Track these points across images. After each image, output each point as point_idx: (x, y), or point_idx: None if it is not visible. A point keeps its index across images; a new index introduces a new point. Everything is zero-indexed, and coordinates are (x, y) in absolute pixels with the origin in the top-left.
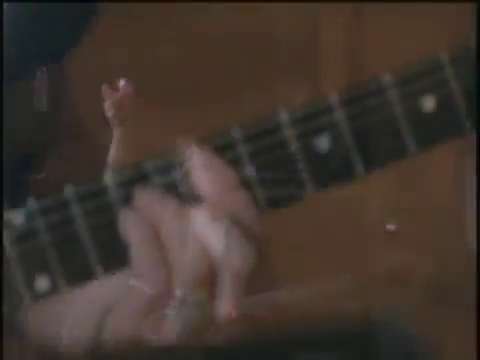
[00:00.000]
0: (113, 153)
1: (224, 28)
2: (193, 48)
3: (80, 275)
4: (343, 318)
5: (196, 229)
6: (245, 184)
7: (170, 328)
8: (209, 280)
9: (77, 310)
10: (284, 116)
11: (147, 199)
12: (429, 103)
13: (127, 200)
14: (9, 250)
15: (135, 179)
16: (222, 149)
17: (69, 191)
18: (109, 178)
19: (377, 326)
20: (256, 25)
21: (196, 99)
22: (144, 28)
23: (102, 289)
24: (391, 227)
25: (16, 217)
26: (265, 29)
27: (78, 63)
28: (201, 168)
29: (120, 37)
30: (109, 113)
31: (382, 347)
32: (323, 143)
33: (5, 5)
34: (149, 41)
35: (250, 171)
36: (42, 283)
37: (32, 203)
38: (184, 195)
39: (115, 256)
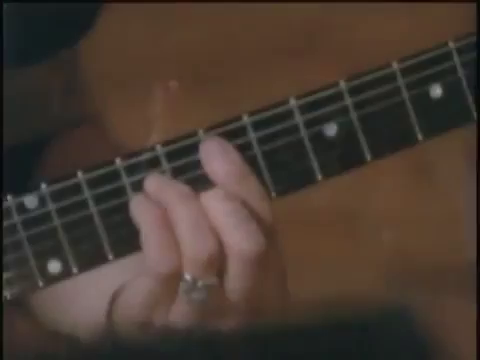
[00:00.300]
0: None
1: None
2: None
3: (92, 259)
4: (347, 307)
5: (206, 213)
6: (255, 170)
7: (180, 312)
8: (219, 264)
9: (87, 295)
10: (293, 102)
11: (158, 183)
12: (437, 90)
13: (138, 184)
14: (22, 234)
15: (146, 163)
16: (233, 135)
17: (81, 175)
18: (120, 162)
19: (383, 316)
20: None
21: (212, 87)
22: (158, 15)
23: (113, 273)
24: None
25: (29, 201)
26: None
27: (92, 48)
28: (212, 154)
29: (135, 23)
30: (156, 110)
31: (387, 339)
32: (332, 129)
33: None
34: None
35: (260, 157)
36: (54, 267)
37: (44, 187)
38: (195, 179)
39: (126, 240)
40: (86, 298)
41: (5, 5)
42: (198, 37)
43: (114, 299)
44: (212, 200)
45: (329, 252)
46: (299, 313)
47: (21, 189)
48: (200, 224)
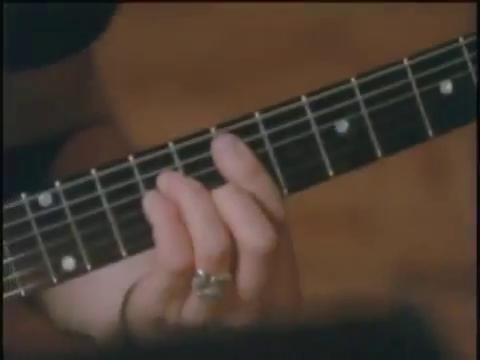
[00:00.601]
0: None
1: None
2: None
3: (105, 256)
4: (355, 307)
5: (218, 209)
6: (267, 167)
7: (193, 308)
8: (231, 260)
9: (101, 292)
10: (305, 99)
11: (170, 180)
12: (447, 86)
13: (151, 181)
14: (36, 231)
15: (159, 160)
16: (244, 132)
17: (94, 173)
18: (133, 159)
19: (391, 316)
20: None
21: (224, 86)
22: (171, 15)
23: (126, 271)
24: None
25: (43, 198)
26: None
27: (105, 49)
28: (224, 151)
29: (148, 23)
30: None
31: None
32: (343, 126)
33: None
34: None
35: (272, 154)
36: (68, 264)
37: (58, 184)
38: (207, 176)
39: (140, 237)
40: (99, 296)
41: (18, 6)
42: (207, 40)
43: (127, 296)
44: (224, 196)
45: (337, 251)
46: (308, 312)
47: (37, 189)
48: (212, 220)
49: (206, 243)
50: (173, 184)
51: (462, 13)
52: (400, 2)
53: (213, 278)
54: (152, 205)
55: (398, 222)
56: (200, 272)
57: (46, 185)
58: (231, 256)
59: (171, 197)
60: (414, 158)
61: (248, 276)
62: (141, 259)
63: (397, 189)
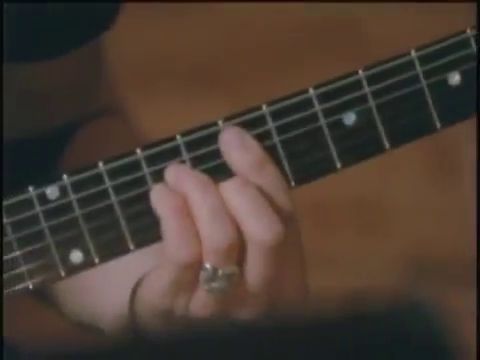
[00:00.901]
0: None
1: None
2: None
3: (113, 249)
4: (364, 300)
5: (226, 202)
6: (274, 159)
7: (200, 301)
8: (239, 253)
9: (109, 285)
10: (312, 91)
11: (177, 172)
12: (455, 77)
13: (158, 174)
14: (43, 224)
15: (166, 153)
16: (252, 124)
17: (101, 165)
18: (140, 152)
19: (399, 310)
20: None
21: (228, 82)
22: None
23: (135, 263)
24: None
25: (50, 191)
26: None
27: (112, 47)
28: (231, 143)
29: (151, 22)
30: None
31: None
32: (350, 118)
33: None
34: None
35: (279, 146)
36: (76, 257)
37: (66, 177)
38: (214, 169)
39: (147, 230)
40: (108, 288)
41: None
42: (214, 35)
43: (135, 289)
44: (231, 189)
45: (343, 245)
46: (316, 306)
47: (45, 182)
48: (220, 213)
49: (213, 237)
50: (180, 177)
51: (462, 13)
52: (401, 2)
53: (220, 272)
54: (159, 198)
55: (405, 216)
56: (207, 266)
57: (53, 178)
58: (238, 249)
59: (178, 190)
60: (422, 151)
61: (255, 269)
62: (150, 252)
63: (404, 182)
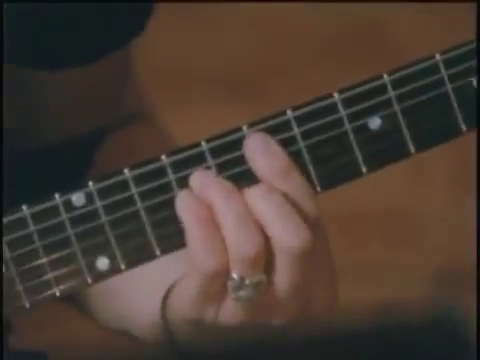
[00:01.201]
0: None
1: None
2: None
3: (139, 256)
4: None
5: (251, 209)
6: (299, 165)
7: (229, 310)
8: (267, 260)
9: (141, 292)
10: (337, 96)
11: (202, 179)
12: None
13: (184, 180)
14: (70, 231)
15: (192, 159)
16: (276, 130)
17: (127, 172)
18: (166, 158)
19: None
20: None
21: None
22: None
23: (162, 270)
24: None
25: (76, 198)
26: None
27: (143, 49)
28: (256, 149)
29: (181, 24)
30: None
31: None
32: (375, 122)
33: None
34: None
35: (304, 151)
36: (102, 264)
37: (91, 184)
38: (240, 175)
39: (173, 236)
40: (136, 295)
41: (58, 7)
42: (244, 43)
43: (166, 296)
44: (257, 195)
45: (375, 257)
46: (346, 316)
47: (69, 189)
48: (245, 221)
49: (239, 245)
50: (205, 184)
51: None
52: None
53: (248, 280)
54: (184, 206)
55: (435, 227)
56: (234, 275)
57: (80, 185)
58: (266, 257)
59: (203, 198)
60: (451, 163)
61: (284, 277)
62: (181, 256)
63: (434, 194)
